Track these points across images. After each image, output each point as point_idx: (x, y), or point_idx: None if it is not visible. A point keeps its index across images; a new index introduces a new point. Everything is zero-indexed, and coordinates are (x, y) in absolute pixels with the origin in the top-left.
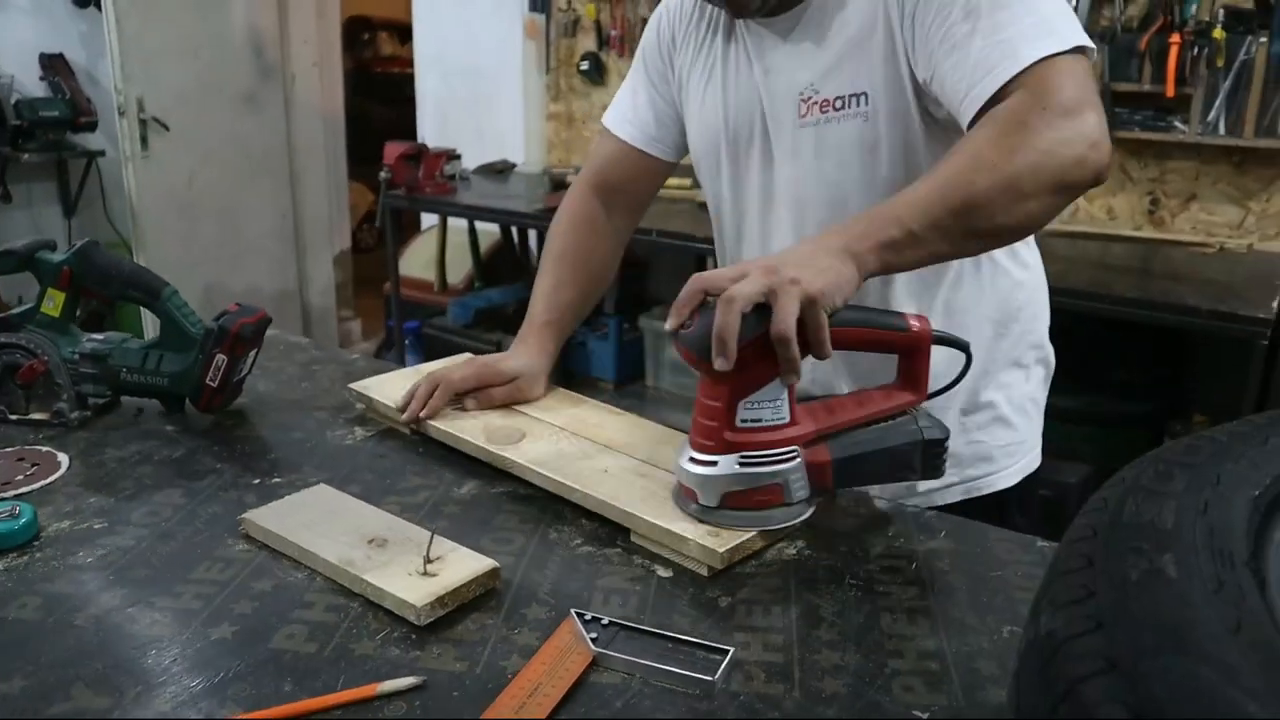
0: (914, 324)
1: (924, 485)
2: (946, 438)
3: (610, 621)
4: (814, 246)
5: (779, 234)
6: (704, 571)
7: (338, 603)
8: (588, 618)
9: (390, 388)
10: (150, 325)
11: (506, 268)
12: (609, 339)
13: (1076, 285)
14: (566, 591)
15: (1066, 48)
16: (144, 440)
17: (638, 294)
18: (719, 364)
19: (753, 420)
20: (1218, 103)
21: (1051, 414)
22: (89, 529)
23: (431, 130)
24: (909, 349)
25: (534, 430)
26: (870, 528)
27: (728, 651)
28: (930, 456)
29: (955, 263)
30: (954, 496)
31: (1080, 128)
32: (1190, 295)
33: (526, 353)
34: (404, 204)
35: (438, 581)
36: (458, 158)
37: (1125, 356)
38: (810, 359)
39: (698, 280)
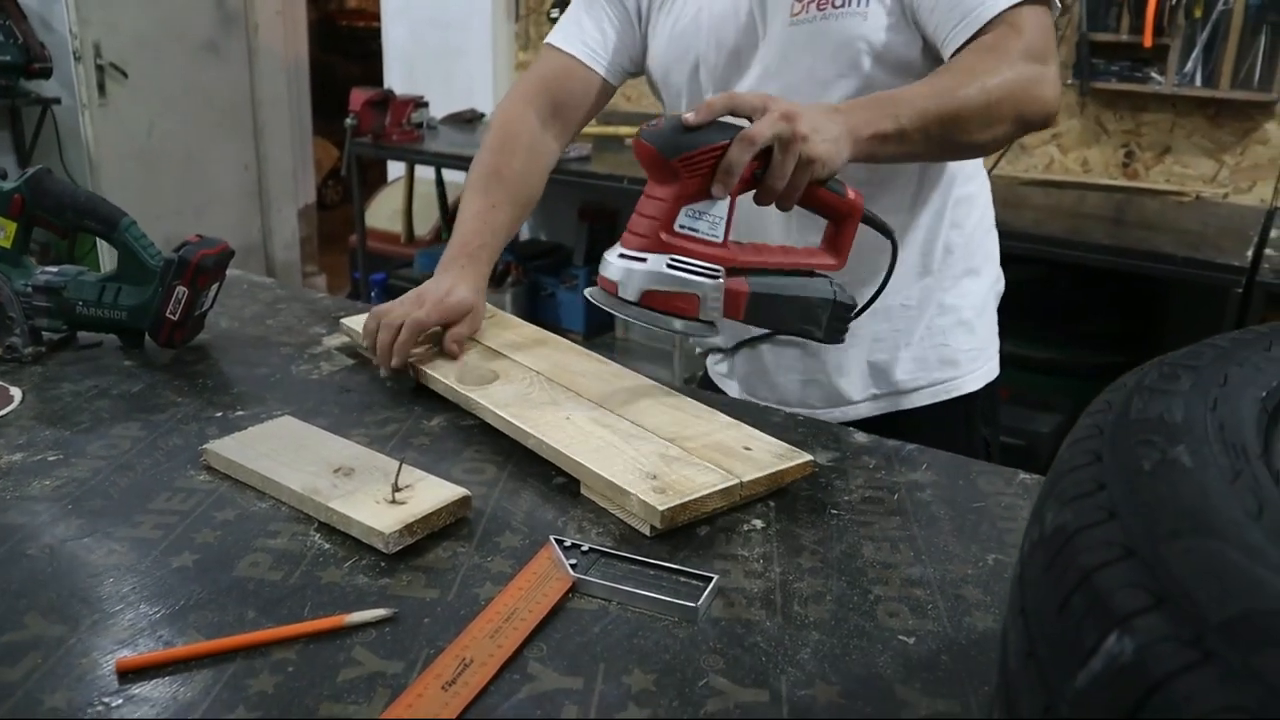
0: (851, 194)
1: (899, 381)
2: (854, 306)
3: (590, 548)
4: (828, 115)
5: None
6: (645, 530)
7: (303, 531)
8: (567, 544)
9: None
10: (108, 260)
11: None
12: (578, 290)
13: (1053, 233)
14: (541, 520)
15: None
16: (101, 375)
17: (607, 244)
18: (716, 190)
19: (690, 228)
20: (1195, 54)
21: (1025, 364)
22: (42, 461)
23: (399, 81)
24: (841, 215)
25: (510, 373)
26: (850, 459)
27: (710, 579)
28: (835, 319)
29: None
30: (923, 400)
31: (1046, 73)
32: (1165, 244)
33: (467, 280)
34: (370, 152)
35: (406, 509)
36: (425, 105)
37: (1097, 308)
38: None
39: (728, 98)
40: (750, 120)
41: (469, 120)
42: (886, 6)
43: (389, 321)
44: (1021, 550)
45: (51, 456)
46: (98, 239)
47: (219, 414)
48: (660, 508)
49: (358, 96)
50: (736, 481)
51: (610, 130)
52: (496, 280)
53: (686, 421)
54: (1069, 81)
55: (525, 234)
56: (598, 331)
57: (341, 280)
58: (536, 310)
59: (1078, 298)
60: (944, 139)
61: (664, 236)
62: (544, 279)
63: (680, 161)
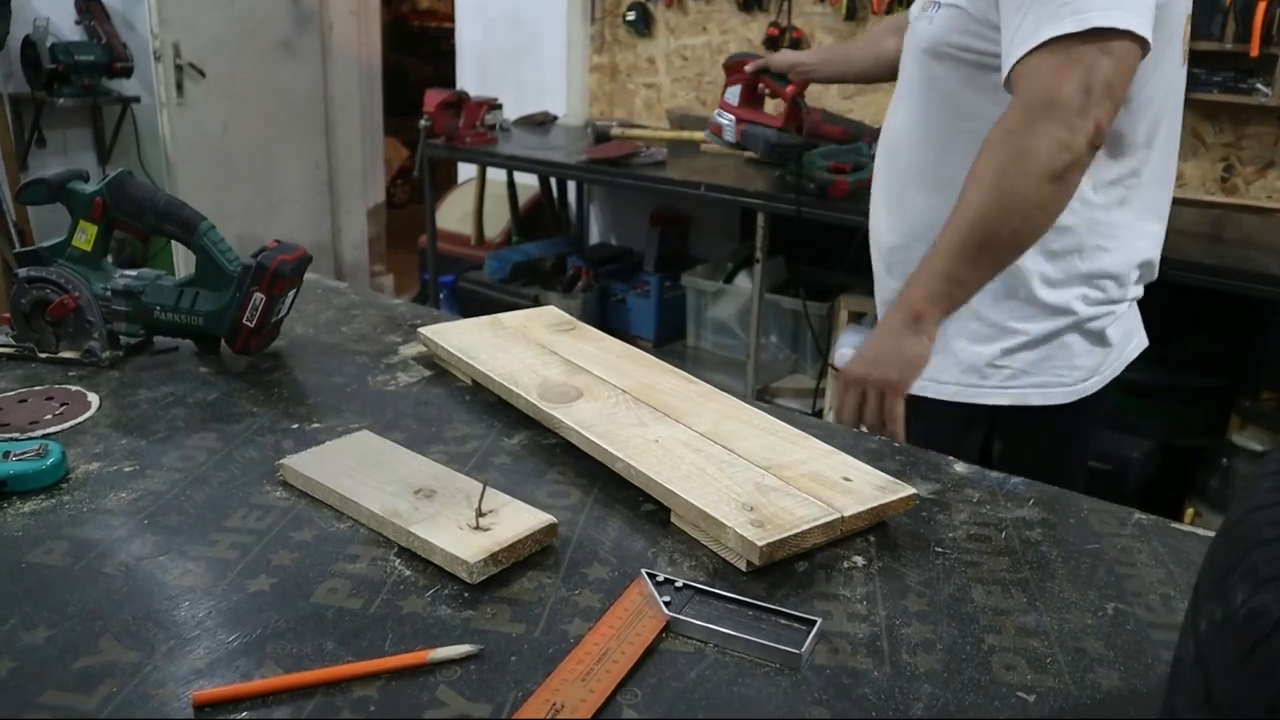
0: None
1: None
2: (792, 145)
3: (684, 584)
4: (883, 334)
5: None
6: (742, 566)
7: (383, 556)
8: (659, 579)
9: (457, 337)
10: (184, 266)
11: (545, 222)
12: (650, 297)
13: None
14: (630, 551)
15: (1081, 28)
16: (177, 382)
17: (679, 252)
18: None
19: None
20: None
21: (1115, 385)
22: (119, 472)
23: (471, 81)
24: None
25: (594, 390)
26: (952, 492)
27: (814, 622)
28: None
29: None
30: (945, 395)
31: (1061, 115)
32: (1270, 264)
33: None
34: (443, 153)
35: (491, 536)
36: (499, 107)
37: (1191, 329)
38: None
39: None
40: None
41: (541, 123)
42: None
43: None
44: (1193, 625)
45: (128, 467)
46: (173, 241)
47: (294, 426)
48: (760, 543)
49: (432, 98)
50: (838, 516)
51: (685, 135)
52: (566, 286)
53: (781, 448)
54: None
55: (595, 238)
56: (669, 339)
57: (409, 280)
58: (606, 316)
59: (1170, 317)
60: (996, 255)
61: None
62: (614, 285)
63: None
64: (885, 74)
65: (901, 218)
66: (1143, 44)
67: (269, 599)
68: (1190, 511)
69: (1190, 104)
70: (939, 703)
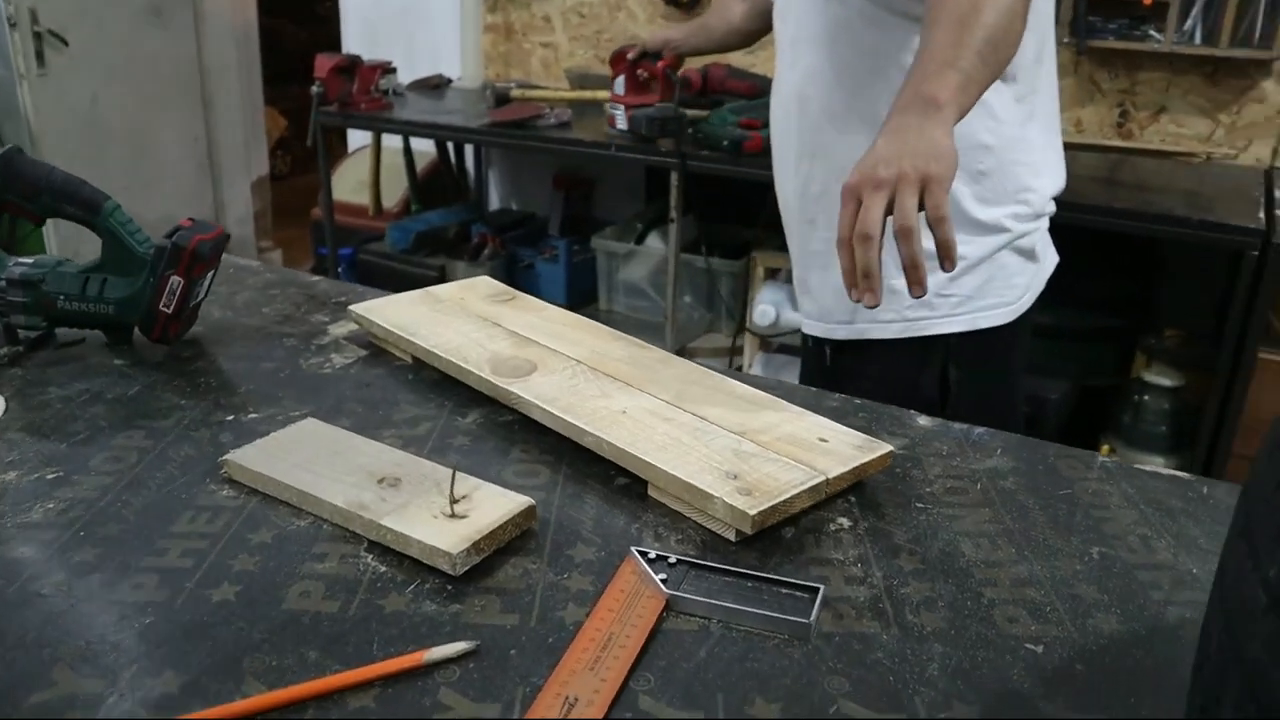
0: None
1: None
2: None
3: (678, 560)
4: (900, 129)
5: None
6: (731, 536)
7: (353, 552)
8: (651, 556)
9: (394, 313)
10: (54, 245)
11: (445, 189)
12: (559, 261)
13: (1060, 196)
14: (613, 529)
15: None
16: (90, 377)
17: (584, 215)
18: (868, 300)
19: None
20: (1194, 11)
21: (1040, 301)
22: (40, 480)
23: (358, 44)
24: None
25: (547, 362)
26: (921, 446)
27: (818, 589)
28: None
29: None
30: (893, 333)
31: None
32: (1172, 206)
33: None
34: (337, 120)
35: (470, 524)
36: (393, 71)
37: (1097, 272)
38: None
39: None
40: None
41: (436, 86)
42: None
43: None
44: (1227, 590)
45: (50, 474)
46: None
47: (230, 417)
48: (751, 512)
49: (323, 63)
50: (823, 478)
51: (587, 95)
52: (472, 254)
53: (751, 412)
54: (1065, 40)
55: (495, 203)
56: (580, 304)
57: (298, 255)
58: (515, 283)
59: (1075, 262)
60: (995, 56)
61: None
62: (521, 251)
63: None
64: (737, 41)
65: (823, 165)
66: None
67: (236, 609)
68: (1106, 447)
69: (1087, 51)
70: (952, 661)
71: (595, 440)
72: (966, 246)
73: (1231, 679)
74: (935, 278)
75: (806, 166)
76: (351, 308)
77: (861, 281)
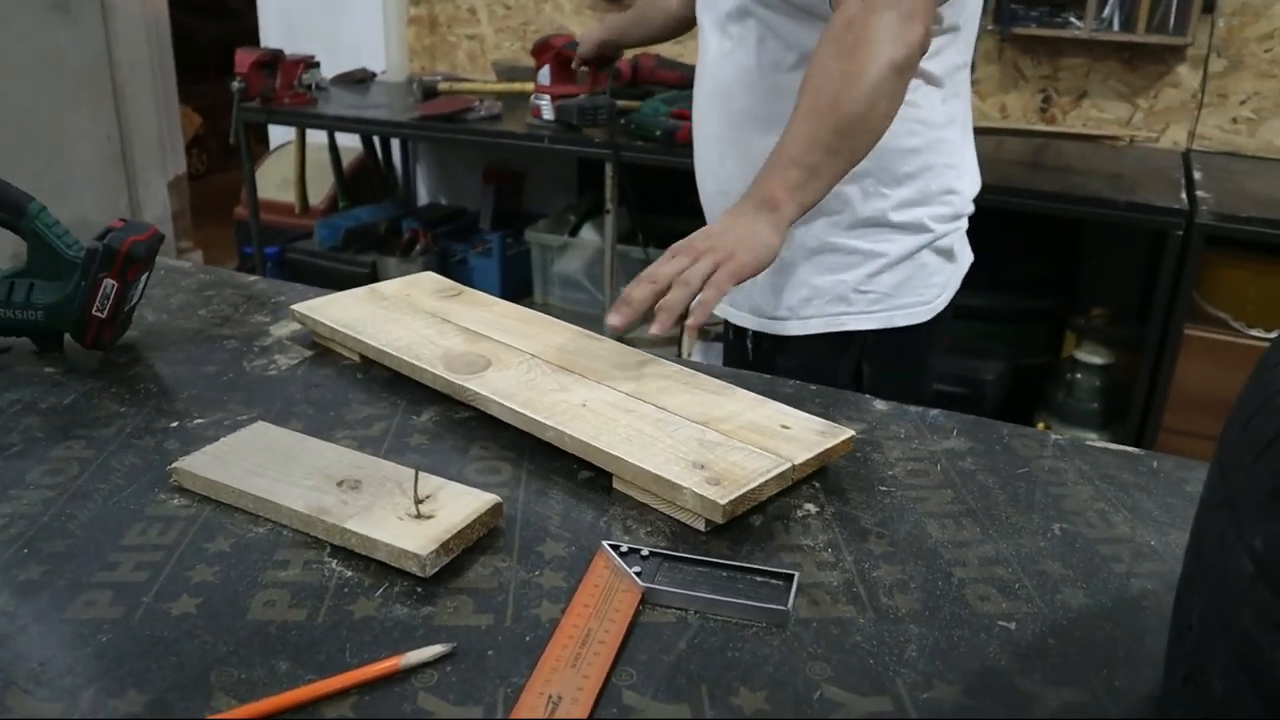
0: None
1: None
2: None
3: (651, 552)
4: (734, 217)
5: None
6: (700, 526)
7: (316, 558)
8: (623, 549)
9: (339, 312)
10: None
11: (372, 185)
12: (493, 256)
13: (986, 181)
14: (581, 523)
15: None
16: (20, 386)
17: (515, 208)
18: (613, 319)
19: None
20: None
21: (962, 313)
22: None
23: (277, 39)
24: None
25: (501, 357)
26: (879, 429)
27: (791, 576)
28: None
29: None
30: (812, 328)
31: (898, 11)
32: (1097, 188)
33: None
34: (261, 117)
35: (437, 524)
36: (316, 65)
37: (1025, 254)
38: None
39: (651, 277)
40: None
41: (360, 80)
42: None
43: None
44: (1208, 562)
45: None
46: None
47: (174, 424)
48: (722, 501)
49: (244, 58)
50: (789, 465)
51: (516, 87)
52: (404, 250)
53: (711, 401)
54: (989, 28)
55: (423, 198)
56: (515, 297)
57: (220, 255)
58: (449, 278)
59: (1005, 245)
60: (850, 144)
61: None
62: (454, 246)
63: None
64: (676, 29)
65: (748, 162)
66: None
67: (199, 622)
68: (1041, 425)
69: (1010, 39)
70: (929, 642)
71: (557, 434)
72: (888, 245)
73: (1218, 648)
74: (855, 273)
75: (735, 163)
76: (294, 307)
77: (622, 306)
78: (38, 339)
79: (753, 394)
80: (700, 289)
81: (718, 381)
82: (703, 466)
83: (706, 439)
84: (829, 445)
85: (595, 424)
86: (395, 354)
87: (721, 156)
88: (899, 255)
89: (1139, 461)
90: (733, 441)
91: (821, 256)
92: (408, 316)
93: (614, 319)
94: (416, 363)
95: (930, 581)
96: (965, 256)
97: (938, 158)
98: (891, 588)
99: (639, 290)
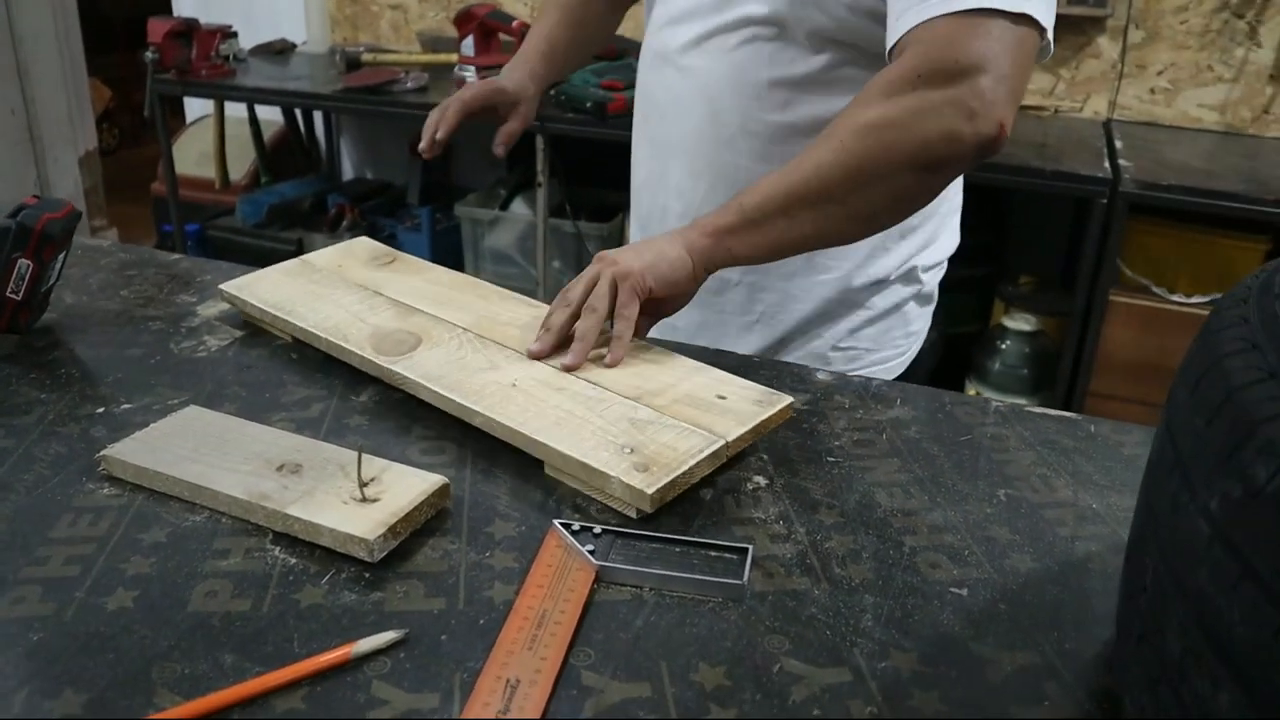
0: None
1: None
2: None
3: (603, 530)
4: (652, 239)
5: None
6: (631, 514)
7: (258, 546)
8: (575, 528)
9: (268, 290)
10: None
11: (294, 159)
12: (422, 230)
13: None
14: (531, 502)
15: (1006, 8)
16: None
17: (444, 182)
18: (534, 348)
19: None
20: None
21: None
22: None
23: (190, 8)
24: None
25: (432, 333)
26: (824, 400)
27: (746, 550)
28: None
29: None
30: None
31: (958, 94)
32: (1025, 158)
33: (521, 75)
34: (176, 89)
35: (383, 507)
36: (234, 35)
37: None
38: None
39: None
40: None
41: (280, 51)
42: None
43: (437, 108)
44: (1195, 505)
45: None
46: None
47: (99, 410)
48: (649, 490)
49: (157, 27)
50: (722, 443)
51: (440, 58)
52: (330, 225)
53: (647, 373)
54: None
55: (348, 173)
56: None
57: (137, 233)
58: None
59: None
60: (821, 216)
61: None
62: (382, 221)
63: None
64: (612, 32)
65: (726, 188)
66: (1044, 52)
67: (137, 616)
68: (973, 391)
69: None
70: (884, 611)
71: (485, 420)
72: (878, 298)
73: (1173, 608)
74: (836, 328)
75: (705, 186)
76: (222, 287)
77: (542, 333)
78: None
79: (691, 361)
80: (608, 314)
81: (655, 348)
82: (632, 450)
83: (638, 416)
84: (765, 416)
85: (524, 406)
86: (325, 336)
87: (693, 176)
88: (886, 308)
89: (1077, 426)
90: (665, 418)
91: (806, 309)
92: (339, 291)
93: (535, 347)
94: (345, 345)
95: (882, 551)
96: (936, 294)
97: (942, 206)
98: (844, 558)
99: (556, 316)
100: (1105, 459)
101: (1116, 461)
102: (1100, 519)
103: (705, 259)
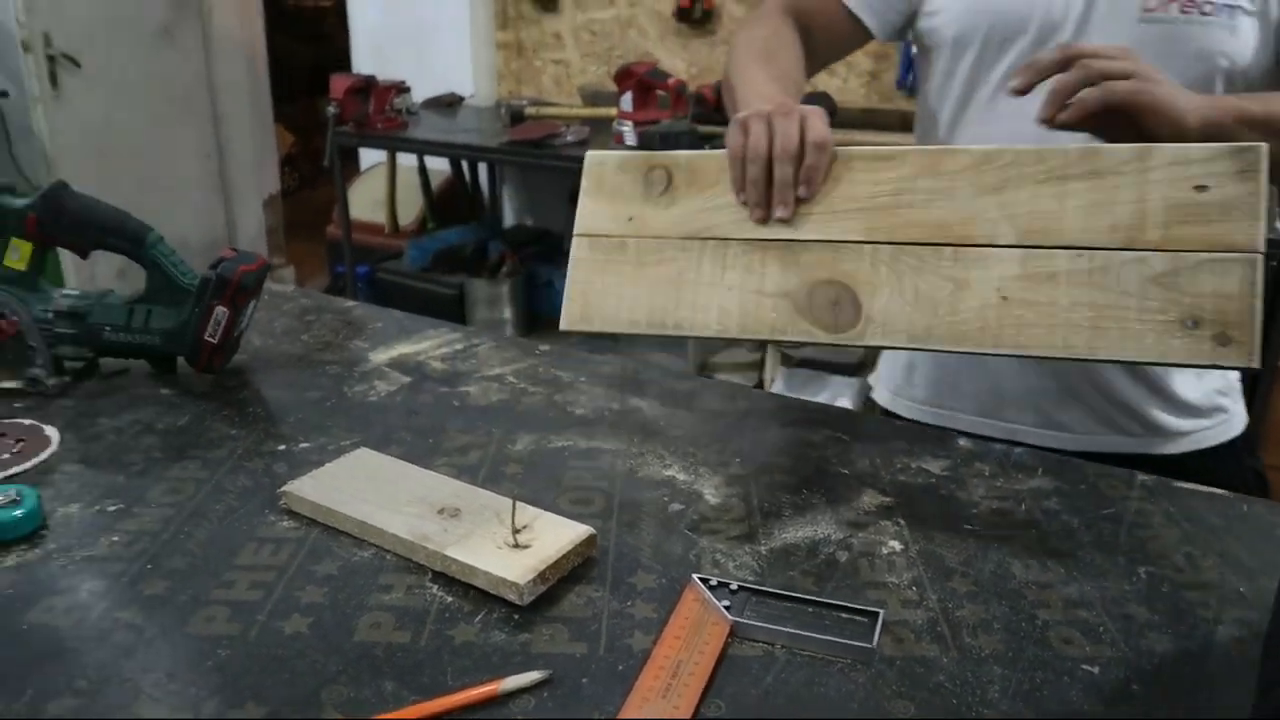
0: None
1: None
2: None
3: (740, 586)
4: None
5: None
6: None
7: (418, 583)
8: (713, 583)
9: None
10: (72, 277)
11: (459, 207)
12: None
13: None
14: (671, 555)
15: None
16: (139, 407)
17: None
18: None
19: None
20: None
21: None
22: (102, 512)
23: (368, 63)
24: None
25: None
26: (964, 467)
27: (877, 614)
28: None
29: None
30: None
31: None
32: None
33: None
34: (354, 140)
35: (534, 554)
36: (407, 90)
37: None
38: None
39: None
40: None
41: (449, 104)
42: (1256, 24)
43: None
44: None
45: (111, 506)
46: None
47: (281, 447)
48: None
49: (339, 84)
50: None
51: (601, 112)
52: (491, 271)
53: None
54: None
55: (509, 220)
56: None
57: (310, 271)
58: (533, 300)
59: None
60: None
61: None
62: (538, 268)
63: None
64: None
65: None
66: None
67: (311, 641)
68: None
69: None
70: (1011, 683)
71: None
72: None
73: None
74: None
75: None
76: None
77: (1026, 70)
78: (154, 362)
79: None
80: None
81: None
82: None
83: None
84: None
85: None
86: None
87: None
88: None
89: (1228, 504)
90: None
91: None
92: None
93: (1016, 82)
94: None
95: (1014, 622)
96: None
97: None
98: (975, 627)
99: (1047, 53)
100: (1256, 540)
101: (1269, 543)
102: (1247, 603)
103: (1214, 112)
